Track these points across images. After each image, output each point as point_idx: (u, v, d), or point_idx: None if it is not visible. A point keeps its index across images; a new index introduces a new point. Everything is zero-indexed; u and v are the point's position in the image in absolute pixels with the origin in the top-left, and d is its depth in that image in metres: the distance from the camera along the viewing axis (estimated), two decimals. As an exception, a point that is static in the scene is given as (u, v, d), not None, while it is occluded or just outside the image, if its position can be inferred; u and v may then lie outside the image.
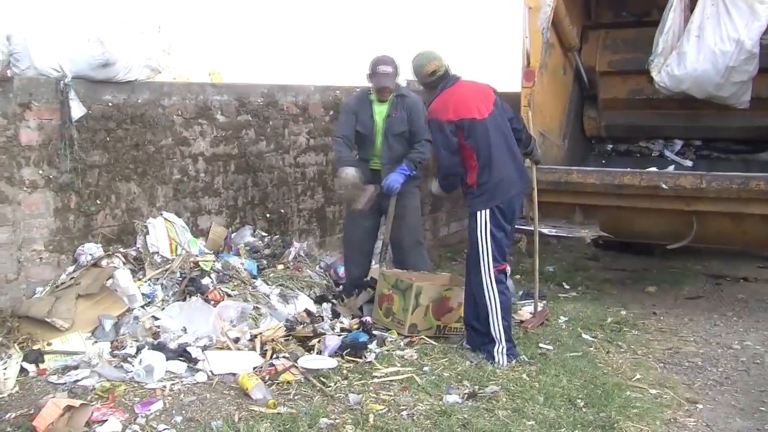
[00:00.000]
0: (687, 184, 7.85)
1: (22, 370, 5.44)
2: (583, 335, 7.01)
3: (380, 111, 7.31)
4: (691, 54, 8.10)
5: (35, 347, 5.68)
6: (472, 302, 6.30)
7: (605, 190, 8.23)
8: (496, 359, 6.09)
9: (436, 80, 6.41)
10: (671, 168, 9.27)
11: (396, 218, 7.29)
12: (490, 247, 6.15)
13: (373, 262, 7.65)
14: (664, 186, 7.92)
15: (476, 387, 5.51)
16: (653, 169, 8.76)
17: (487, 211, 6.17)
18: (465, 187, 6.34)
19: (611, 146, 10.42)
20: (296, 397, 5.25)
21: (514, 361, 6.13)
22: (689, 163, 9.74)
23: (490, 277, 6.16)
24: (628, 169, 8.49)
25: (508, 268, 7.03)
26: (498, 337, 6.13)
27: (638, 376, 6.07)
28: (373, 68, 7.23)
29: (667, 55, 8.29)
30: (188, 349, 5.78)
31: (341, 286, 7.68)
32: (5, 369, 5.27)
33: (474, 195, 6.26)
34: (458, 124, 6.16)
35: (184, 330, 6.05)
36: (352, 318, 6.92)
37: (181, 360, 5.66)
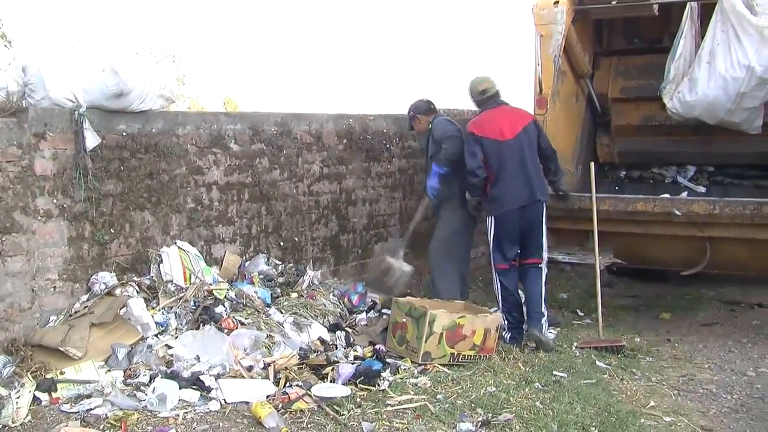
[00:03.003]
0: (700, 210, 7.87)
1: (35, 399, 5.43)
2: (597, 362, 6.98)
3: (426, 145, 8.44)
4: (703, 80, 8.12)
5: (48, 376, 5.68)
6: None
7: (618, 217, 8.25)
8: (503, 335, 7.32)
9: (485, 99, 7.74)
10: (684, 194, 9.29)
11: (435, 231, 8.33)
12: (493, 248, 7.57)
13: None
14: (677, 212, 7.93)
15: (490, 415, 5.48)
16: (666, 195, 8.78)
17: (492, 218, 7.53)
18: (484, 194, 7.60)
19: (624, 173, 10.42)
20: (309, 426, 5.24)
21: (514, 344, 7.33)
22: (702, 189, 9.74)
23: (494, 271, 7.62)
24: (641, 196, 8.51)
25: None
26: (502, 315, 7.36)
27: (652, 403, 6.04)
28: None
29: (679, 81, 8.32)
30: (201, 377, 5.77)
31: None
32: (18, 398, 5.28)
33: (487, 202, 7.61)
34: (480, 140, 7.44)
35: (198, 358, 6.05)
36: (367, 345, 6.93)
37: (194, 388, 5.64)
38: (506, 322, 7.43)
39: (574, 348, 7.36)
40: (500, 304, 7.55)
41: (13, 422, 5.12)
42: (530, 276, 7.60)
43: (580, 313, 9.06)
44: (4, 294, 5.96)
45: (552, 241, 8.21)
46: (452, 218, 8.07)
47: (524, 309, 7.66)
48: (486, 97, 7.73)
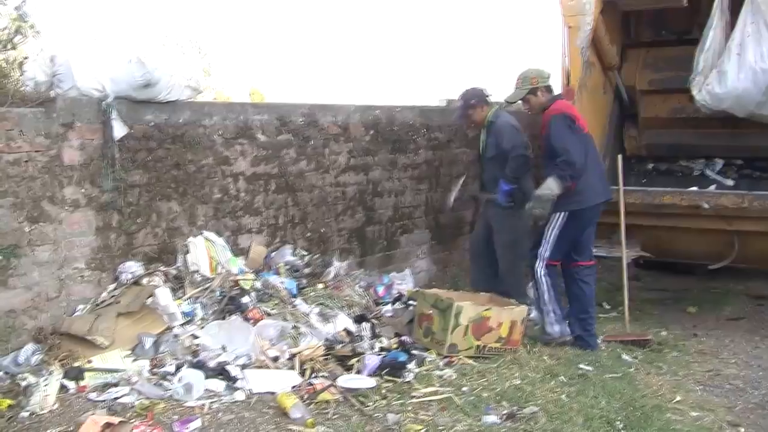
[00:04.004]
0: (728, 203, 7.82)
1: (63, 387, 5.47)
2: (623, 356, 6.95)
3: (483, 138, 8.15)
4: (732, 72, 8.05)
5: (76, 364, 5.72)
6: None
7: (646, 210, 8.21)
8: (548, 330, 7.15)
9: (534, 89, 7.22)
10: (712, 187, 9.20)
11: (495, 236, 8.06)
12: (553, 243, 7.08)
13: None
14: (705, 205, 7.89)
15: (515, 408, 5.47)
16: (694, 188, 8.71)
17: (565, 213, 7.00)
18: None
19: (652, 165, 10.34)
20: (335, 417, 5.24)
21: (568, 335, 7.20)
22: (731, 183, 9.63)
23: (542, 266, 7.15)
24: (669, 189, 8.45)
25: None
26: (549, 308, 7.16)
27: (678, 398, 6.01)
28: None
29: (708, 73, 8.25)
30: (227, 367, 5.79)
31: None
32: (46, 386, 5.32)
33: (564, 197, 6.90)
34: (579, 129, 7.04)
35: (224, 348, 6.07)
36: (392, 337, 6.92)
37: (219, 378, 5.66)
38: (553, 315, 7.19)
39: (600, 341, 7.32)
40: (544, 299, 7.20)
41: (41, 409, 5.15)
42: (590, 281, 7.34)
43: (607, 307, 9.02)
44: (32, 283, 6.01)
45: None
46: (516, 220, 7.77)
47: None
48: (536, 87, 7.28)
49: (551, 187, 6.86)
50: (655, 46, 10.07)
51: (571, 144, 6.86)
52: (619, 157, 8.20)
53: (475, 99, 8.02)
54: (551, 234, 7.09)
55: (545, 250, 7.15)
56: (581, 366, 6.51)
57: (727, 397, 6.17)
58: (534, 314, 7.39)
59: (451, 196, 8.97)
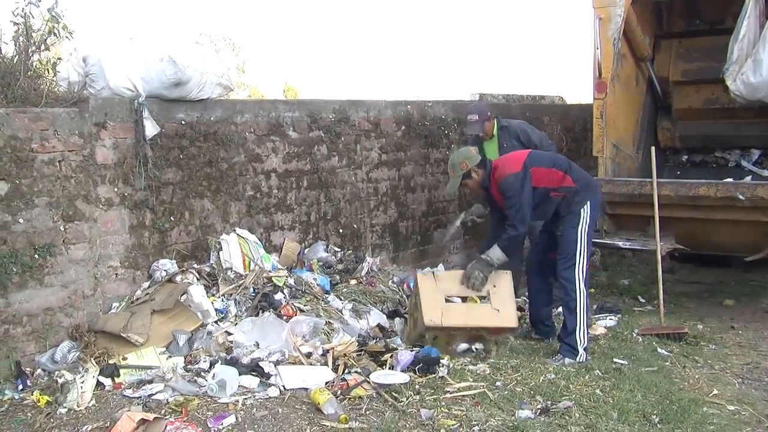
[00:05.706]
0: (765, 194, 7.72)
1: (99, 384, 5.54)
2: (659, 349, 6.89)
3: (490, 148, 8.11)
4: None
5: (111, 361, 5.79)
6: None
7: (680, 202, 8.13)
8: (581, 346, 6.45)
9: (467, 172, 6.71)
10: (748, 178, 9.12)
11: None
12: (588, 244, 6.56)
13: None
14: (741, 197, 7.79)
15: (549, 402, 5.43)
16: (729, 179, 8.61)
17: (588, 204, 6.52)
18: (563, 191, 6.55)
19: (686, 157, 10.28)
20: (368, 413, 5.24)
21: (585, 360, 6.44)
22: (767, 173, 9.55)
23: (583, 274, 6.51)
24: (704, 180, 8.37)
25: None
26: (586, 320, 6.55)
27: (715, 391, 5.95)
28: (465, 119, 8.42)
29: (742, 62, 8.15)
30: (261, 364, 5.81)
31: None
32: (82, 383, 5.36)
33: (574, 192, 6.54)
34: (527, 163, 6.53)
35: (257, 345, 6.09)
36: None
37: (253, 375, 5.68)
38: (586, 341, 6.58)
39: (635, 335, 7.27)
40: (585, 319, 6.56)
41: (78, 406, 5.22)
42: None
43: (642, 300, 8.96)
44: (68, 281, 6.06)
45: (613, 227, 8.12)
46: None
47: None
48: (469, 170, 6.78)
49: (497, 257, 6.53)
50: (687, 36, 9.99)
51: (521, 208, 6.44)
52: (653, 149, 8.12)
53: (489, 111, 8.28)
54: (585, 231, 6.52)
55: (584, 250, 6.51)
56: (616, 360, 6.47)
57: (766, 391, 6.09)
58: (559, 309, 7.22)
59: (448, 233, 8.93)
